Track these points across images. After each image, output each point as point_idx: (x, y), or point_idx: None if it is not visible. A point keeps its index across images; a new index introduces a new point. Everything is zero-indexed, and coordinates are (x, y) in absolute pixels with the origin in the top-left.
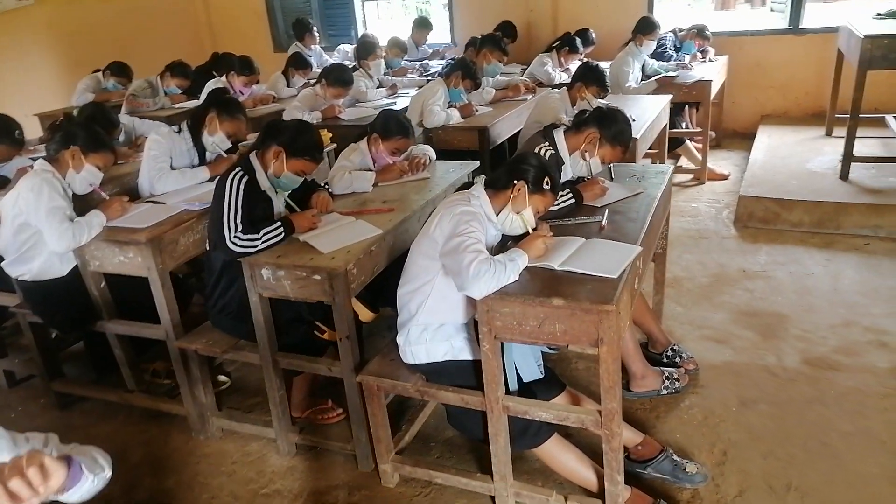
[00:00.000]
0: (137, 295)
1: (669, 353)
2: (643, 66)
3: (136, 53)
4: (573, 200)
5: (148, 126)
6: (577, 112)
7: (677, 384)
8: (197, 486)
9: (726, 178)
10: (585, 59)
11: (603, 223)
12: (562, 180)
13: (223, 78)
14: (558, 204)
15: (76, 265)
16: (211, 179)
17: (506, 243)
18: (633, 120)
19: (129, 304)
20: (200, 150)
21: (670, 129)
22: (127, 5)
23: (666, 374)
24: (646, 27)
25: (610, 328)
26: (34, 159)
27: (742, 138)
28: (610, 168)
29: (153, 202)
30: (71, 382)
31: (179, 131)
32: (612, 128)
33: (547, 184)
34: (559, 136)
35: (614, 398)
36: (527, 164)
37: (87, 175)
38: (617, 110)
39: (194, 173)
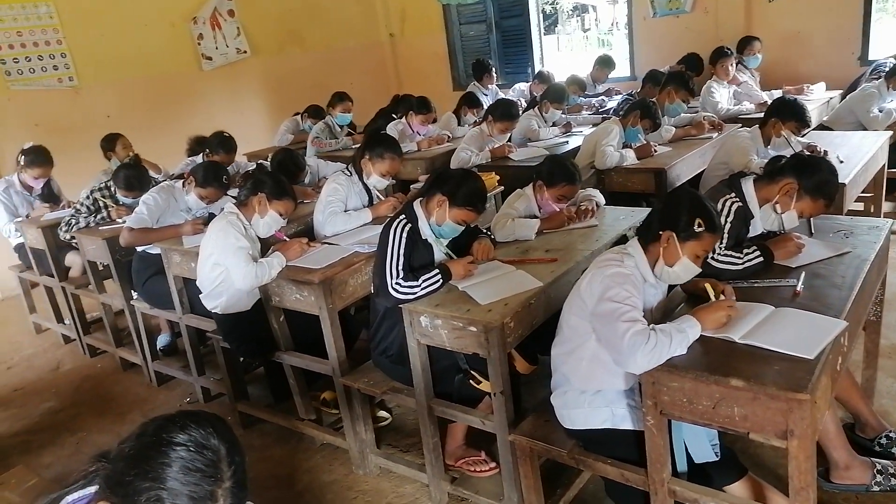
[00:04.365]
0: (311, 328)
1: (884, 440)
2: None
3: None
4: (761, 259)
5: (331, 168)
6: (771, 155)
7: (893, 481)
8: None
9: None
10: (785, 93)
11: (798, 288)
12: (750, 235)
13: (403, 119)
14: (743, 263)
15: (259, 299)
16: (374, 221)
17: (677, 305)
18: (842, 161)
19: (304, 337)
20: (368, 190)
21: (890, 167)
22: (325, 54)
23: (878, 466)
24: None
25: (802, 419)
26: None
27: None
28: (809, 222)
29: (329, 243)
30: (252, 405)
31: (351, 174)
32: (813, 178)
33: (700, 225)
34: (748, 186)
35: (807, 501)
36: (673, 208)
37: (269, 220)
38: (820, 158)
39: (358, 215)
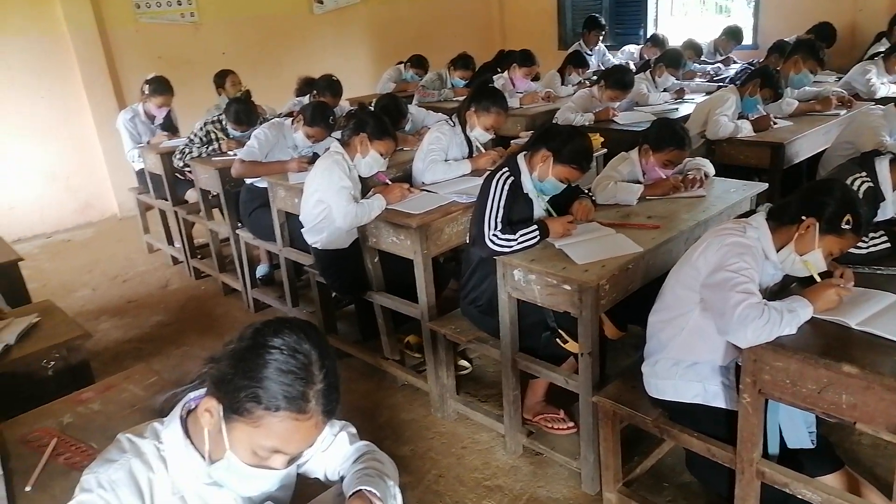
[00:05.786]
0: (403, 272)
1: None
2: None
3: (435, 48)
4: (888, 245)
5: (432, 118)
6: None
7: None
8: (428, 460)
9: None
10: None
11: None
12: (878, 219)
13: (505, 73)
14: (868, 248)
15: (357, 238)
16: (472, 172)
17: (789, 285)
18: None
19: (395, 279)
20: (469, 143)
21: None
22: (432, 4)
23: None
24: None
25: None
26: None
27: None
28: None
29: (427, 191)
30: (341, 339)
31: (454, 125)
32: None
33: (847, 223)
34: (882, 165)
35: None
36: (824, 196)
37: (370, 160)
38: None
39: (458, 165)
